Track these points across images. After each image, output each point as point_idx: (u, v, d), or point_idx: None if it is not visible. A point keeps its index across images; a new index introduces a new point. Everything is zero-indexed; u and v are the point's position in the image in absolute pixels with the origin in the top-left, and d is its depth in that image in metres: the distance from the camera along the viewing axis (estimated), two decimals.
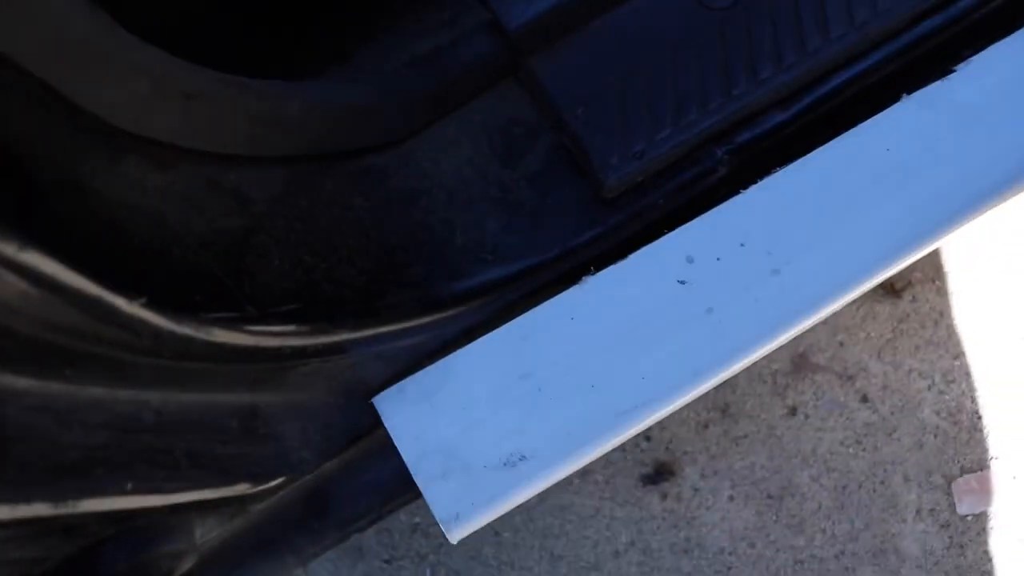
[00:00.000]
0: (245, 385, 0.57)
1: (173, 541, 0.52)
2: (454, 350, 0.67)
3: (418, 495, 0.74)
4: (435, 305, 0.66)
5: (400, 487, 0.73)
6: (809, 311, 0.65)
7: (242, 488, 0.56)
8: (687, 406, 0.97)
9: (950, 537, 1.02)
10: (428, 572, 1.03)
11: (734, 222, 0.67)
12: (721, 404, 1.03)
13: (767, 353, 0.70)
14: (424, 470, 0.63)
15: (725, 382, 0.97)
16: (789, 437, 1.02)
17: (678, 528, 1.02)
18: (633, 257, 0.66)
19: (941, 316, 1.05)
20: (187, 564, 0.55)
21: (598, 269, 0.68)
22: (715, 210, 0.67)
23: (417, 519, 1.04)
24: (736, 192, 0.71)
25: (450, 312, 0.67)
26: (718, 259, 0.65)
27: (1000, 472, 1.02)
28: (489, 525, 1.00)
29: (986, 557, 1.02)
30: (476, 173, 0.70)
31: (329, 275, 0.62)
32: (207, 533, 0.58)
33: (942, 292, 1.05)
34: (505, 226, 0.68)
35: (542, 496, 1.02)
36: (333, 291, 0.62)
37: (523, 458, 0.62)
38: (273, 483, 0.59)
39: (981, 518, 1.02)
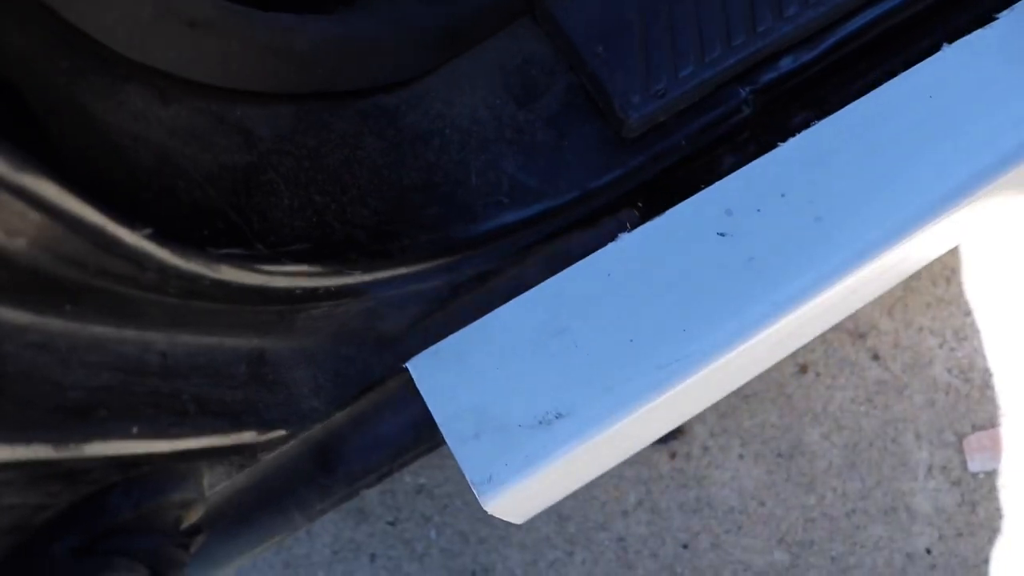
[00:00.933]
0: (253, 328, 0.54)
1: (182, 489, 0.49)
2: (473, 297, 0.65)
3: (429, 450, 0.72)
4: (450, 248, 0.63)
5: (411, 442, 0.71)
6: (856, 260, 0.62)
7: (252, 436, 0.54)
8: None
9: (962, 494, 1.00)
10: (433, 533, 1.01)
11: (774, 174, 0.64)
12: None
13: (817, 315, 0.67)
14: (455, 430, 0.60)
15: None
16: (799, 395, 1.01)
17: (687, 487, 1.00)
18: (669, 212, 0.63)
19: (952, 273, 1.03)
20: (196, 514, 0.52)
21: (623, 212, 0.66)
22: (753, 163, 0.64)
23: (422, 480, 1.02)
24: (761, 134, 0.69)
25: (465, 255, 0.64)
26: (758, 210, 0.62)
27: (1012, 429, 1.01)
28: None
29: (998, 514, 1.00)
30: (491, 114, 0.67)
31: (341, 215, 0.59)
32: (216, 482, 0.56)
33: (953, 249, 1.03)
34: (521, 168, 0.66)
35: None
36: (345, 232, 0.59)
37: (559, 416, 0.59)
38: (283, 431, 0.56)
39: (993, 475, 1.01)
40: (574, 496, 1.00)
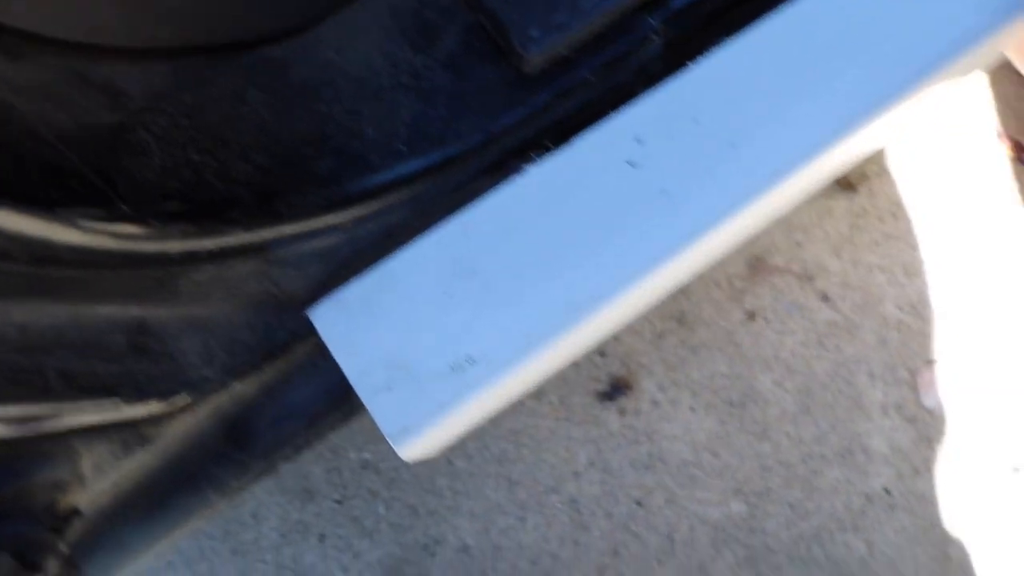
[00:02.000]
0: (130, 296, 0.51)
1: (51, 470, 0.46)
2: (377, 253, 0.62)
3: (345, 416, 0.69)
4: (346, 202, 0.60)
5: (324, 408, 0.67)
6: (771, 183, 0.60)
7: (132, 411, 0.50)
8: (641, 316, 0.92)
9: (918, 431, 0.98)
10: (381, 509, 0.99)
11: (684, 98, 0.61)
12: (676, 313, 0.98)
13: (728, 241, 0.65)
14: (367, 384, 0.57)
15: (680, 289, 0.92)
16: (749, 342, 0.98)
17: (638, 443, 0.97)
18: (576, 141, 0.60)
19: (899, 208, 1.00)
20: (76, 496, 0.49)
21: (532, 155, 0.63)
22: (662, 87, 0.61)
23: (367, 455, 0.99)
24: (675, 67, 0.66)
25: (364, 210, 0.61)
26: (669, 138, 0.59)
27: (964, 361, 0.99)
28: (442, 455, 0.96)
29: (954, 448, 0.98)
30: (386, 61, 0.63)
31: (221, 173, 0.56)
32: (103, 463, 0.53)
33: (900, 184, 1.00)
34: (419, 115, 0.62)
35: (495, 421, 0.98)
36: (226, 190, 0.55)
37: (472, 361, 0.57)
38: (168, 405, 0.53)
39: (948, 410, 0.99)
40: (523, 460, 0.97)
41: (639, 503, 0.97)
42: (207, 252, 0.54)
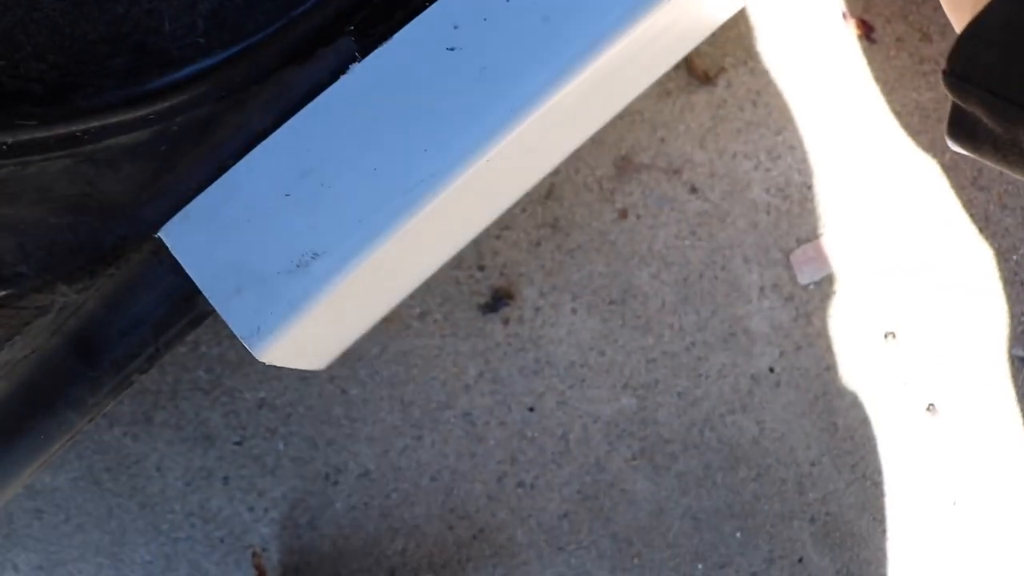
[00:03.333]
0: None
1: None
2: (195, 147, 0.63)
3: (193, 322, 0.70)
4: (147, 97, 0.61)
5: (170, 315, 0.68)
6: (588, 52, 0.61)
7: None
8: (515, 226, 0.93)
9: (796, 308, 1.00)
10: (281, 445, 0.99)
11: None
12: (550, 219, 0.99)
13: (575, 125, 0.66)
14: (218, 291, 0.58)
15: (551, 195, 0.94)
16: (623, 240, 1.00)
17: (525, 350, 0.99)
18: (397, 35, 0.61)
19: (758, 96, 1.02)
20: None
21: (336, 42, 0.64)
22: None
23: (262, 394, 1.00)
24: None
25: (168, 103, 0.61)
26: (485, 19, 0.61)
27: (834, 237, 1.01)
28: (334, 384, 0.97)
29: (832, 321, 1.01)
30: None
31: (12, 72, 0.57)
32: None
33: (756, 72, 1.03)
34: (217, 7, 0.63)
35: (382, 345, 0.99)
36: (17, 86, 0.56)
37: (315, 256, 0.58)
38: None
39: (823, 284, 1.01)
40: (413, 380, 0.98)
41: (531, 408, 0.99)
42: (4, 146, 0.54)
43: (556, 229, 1.00)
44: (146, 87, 0.61)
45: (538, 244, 0.99)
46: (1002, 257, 1.02)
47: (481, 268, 0.99)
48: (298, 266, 0.58)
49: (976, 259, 1.02)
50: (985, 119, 0.67)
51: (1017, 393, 1.02)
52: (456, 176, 0.60)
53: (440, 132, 0.59)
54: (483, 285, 0.99)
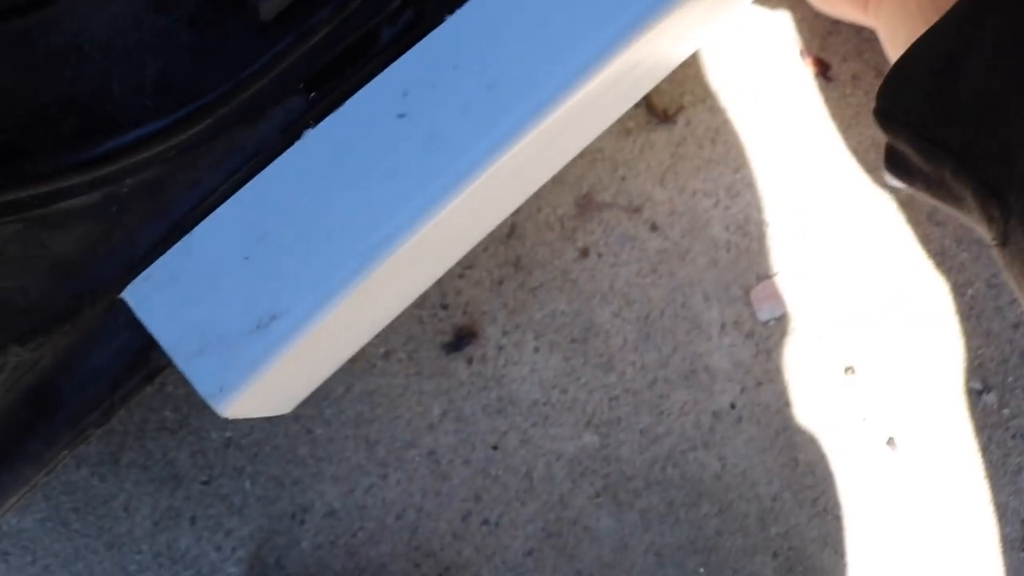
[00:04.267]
0: None
1: None
2: (147, 207, 0.64)
3: (148, 376, 0.71)
4: (96, 160, 0.62)
5: (126, 370, 0.69)
6: (531, 116, 0.62)
7: None
8: (478, 265, 0.95)
9: (756, 345, 1.02)
10: (248, 484, 1.00)
11: (443, 48, 0.64)
12: (512, 258, 1.01)
13: (527, 176, 0.68)
14: (181, 351, 0.60)
15: (513, 234, 0.95)
16: (585, 278, 1.01)
17: (488, 389, 1.00)
18: (349, 102, 0.63)
19: (717, 134, 1.04)
20: None
21: (284, 100, 0.65)
22: (425, 39, 0.64)
23: (228, 434, 1.01)
24: (415, 2, 0.69)
25: (117, 165, 0.63)
26: (432, 86, 0.62)
27: (793, 273, 1.03)
28: (300, 424, 0.98)
29: (791, 357, 1.02)
30: (131, 24, 0.65)
31: None
32: None
33: (714, 110, 1.04)
34: (165, 71, 0.64)
35: (347, 384, 1.00)
36: None
37: (274, 317, 0.60)
38: None
39: (783, 320, 1.02)
40: (378, 419, 0.99)
41: (495, 447, 1.00)
42: None
43: (519, 268, 1.01)
44: (95, 151, 0.62)
45: (501, 283, 1.01)
46: (958, 292, 1.04)
47: (444, 307, 1.00)
48: (258, 327, 0.60)
49: (933, 294, 1.03)
50: (913, 158, 0.69)
51: (974, 425, 1.03)
52: (407, 238, 0.61)
53: (390, 197, 0.60)
54: (446, 324, 1.00)
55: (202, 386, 0.58)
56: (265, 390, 0.63)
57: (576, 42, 0.62)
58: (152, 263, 0.62)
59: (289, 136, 0.69)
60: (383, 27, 0.69)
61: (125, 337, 0.67)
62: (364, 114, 0.62)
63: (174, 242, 0.62)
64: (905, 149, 0.68)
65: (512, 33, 0.62)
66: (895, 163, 0.72)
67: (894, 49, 0.79)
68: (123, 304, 0.69)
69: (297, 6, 0.65)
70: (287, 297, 0.59)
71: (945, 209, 0.69)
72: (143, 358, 0.69)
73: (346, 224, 0.60)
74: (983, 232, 0.61)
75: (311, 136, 0.62)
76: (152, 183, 0.65)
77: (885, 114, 0.69)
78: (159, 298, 0.60)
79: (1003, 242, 0.57)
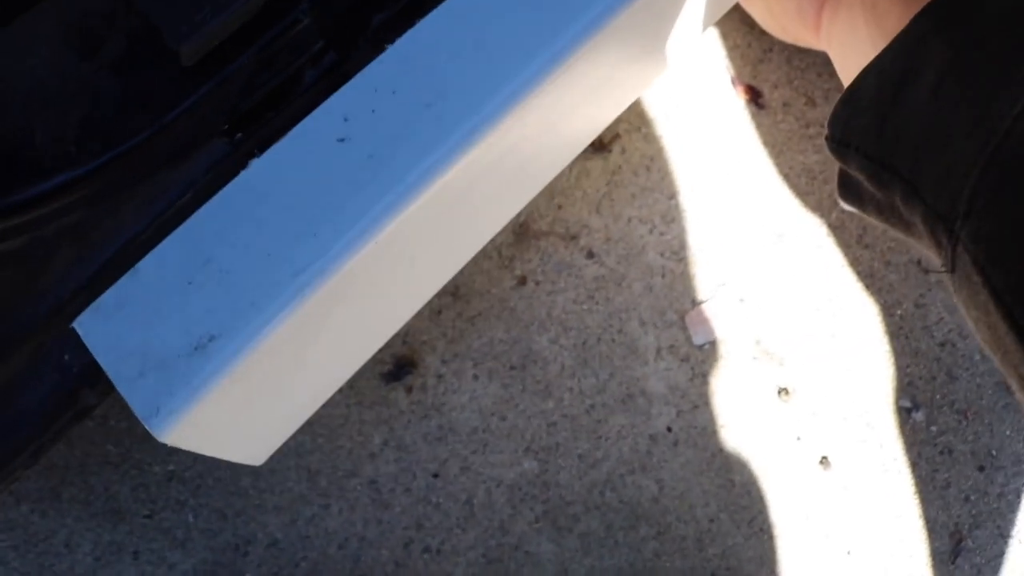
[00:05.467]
0: None
1: None
2: (73, 251, 0.65)
3: (79, 415, 0.71)
4: (19, 206, 0.63)
5: (55, 408, 0.70)
6: (469, 133, 0.63)
7: None
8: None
9: (692, 368, 1.04)
10: (191, 517, 1.00)
11: (381, 76, 0.65)
12: (451, 288, 1.02)
13: (459, 201, 0.69)
14: (123, 376, 0.60)
15: None
16: (522, 306, 1.02)
17: (428, 418, 1.01)
18: (294, 130, 0.64)
19: (652, 161, 1.06)
20: None
21: (208, 143, 0.66)
22: (364, 71, 0.65)
23: (171, 467, 1.01)
24: (337, 44, 0.70)
25: (39, 211, 0.63)
26: (372, 111, 0.63)
27: (727, 297, 1.05)
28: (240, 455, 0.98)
29: (726, 380, 1.04)
30: (53, 73, 0.66)
31: None
32: None
33: (649, 138, 1.06)
34: (89, 118, 0.65)
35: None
36: None
37: (212, 338, 0.60)
38: None
39: (716, 344, 1.04)
40: (319, 449, 1.00)
41: (435, 475, 1.01)
42: None
43: (457, 297, 1.02)
44: (18, 196, 0.63)
45: (439, 312, 1.02)
46: (887, 312, 1.06)
47: None
48: (196, 348, 0.60)
49: (863, 315, 1.06)
50: (865, 183, 0.70)
51: (904, 443, 1.06)
52: (346, 259, 0.62)
53: (330, 218, 0.61)
54: (386, 354, 1.01)
55: (139, 408, 0.58)
56: (212, 420, 0.63)
57: (513, 60, 0.64)
58: (82, 303, 0.62)
59: (214, 176, 0.70)
60: (306, 69, 0.70)
61: (54, 379, 0.68)
62: (307, 140, 0.63)
63: (105, 283, 0.63)
64: (856, 175, 0.69)
65: (450, 54, 0.64)
66: (847, 189, 0.73)
67: (846, 74, 0.81)
68: (50, 345, 0.69)
69: (219, 51, 0.66)
70: (226, 318, 0.60)
71: (898, 235, 0.70)
72: (72, 397, 0.69)
73: (284, 246, 0.61)
74: (934, 258, 0.62)
75: (256, 164, 0.63)
76: (75, 227, 0.65)
77: (836, 140, 0.70)
78: (105, 325, 0.61)
79: (951, 268, 0.58)
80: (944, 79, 0.60)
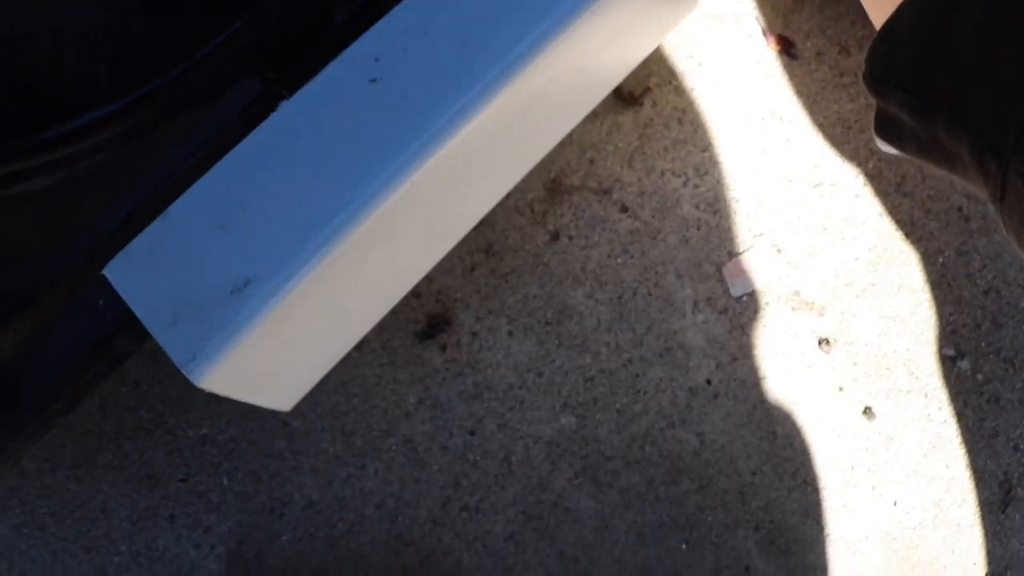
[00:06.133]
0: None
1: None
2: (106, 190, 0.64)
3: (112, 364, 0.70)
4: (51, 143, 0.62)
5: (87, 356, 0.69)
6: (502, 73, 0.62)
7: None
8: (449, 253, 0.94)
9: (730, 320, 1.02)
10: (225, 480, 1.00)
11: (413, 15, 0.64)
12: (483, 244, 1.01)
13: (491, 143, 0.68)
14: (157, 322, 0.59)
15: (483, 220, 0.95)
16: (556, 261, 1.01)
17: (463, 375, 1.00)
18: (325, 71, 0.63)
19: (684, 114, 1.04)
20: None
21: (240, 81, 0.65)
22: (395, 9, 0.64)
23: (204, 431, 1.00)
24: None
25: (73, 148, 0.62)
26: (404, 50, 0.62)
27: (764, 248, 1.03)
28: (276, 418, 0.97)
29: (766, 331, 1.02)
30: (83, 8, 0.66)
31: None
32: None
33: (680, 91, 1.04)
34: (119, 55, 0.64)
35: (322, 376, 0.99)
36: None
37: (248, 282, 0.59)
38: None
39: (755, 296, 1.02)
40: (354, 410, 0.99)
41: (472, 432, 0.99)
42: None
43: (490, 254, 1.01)
44: (49, 134, 0.62)
45: (472, 269, 1.01)
46: (928, 260, 1.04)
47: (416, 296, 1.00)
48: (232, 293, 0.59)
49: (903, 263, 1.04)
50: (905, 118, 0.68)
51: (949, 392, 1.04)
52: (381, 201, 0.61)
53: (364, 159, 0.60)
54: (419, 312, 1.00)
55: (176, 354, 0.57)
56: (247, 364, 0.62)
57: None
58: (116, 245, 0.61)
59: (247, 116, 0.69)
60: (337, 9, 0.69)
61: (86, 324, 0.67)
62: (337, 81, 0.62)
63: (138, 225, 0.62)
64: (896, 111, 0.68)
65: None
66: (886, 128, 0.72)
67: (878, 15, 0.80)
68: (84, 290, 0.68)
69: None
70: (262, 262, 0.59)
71: (939, 171, 0.69)
72: (105, 344, 0.68)
73: (319, 189, 0.59)
74: (979, 189, 0.61)
75: (287, 106, 0.62)
76: (108, 166, 0.65)
77: (875, 77, 0.69)
78: (137, 271, 0.60)
79: (1000, 196, 0.57)
80: (989, 9, 0.59)
